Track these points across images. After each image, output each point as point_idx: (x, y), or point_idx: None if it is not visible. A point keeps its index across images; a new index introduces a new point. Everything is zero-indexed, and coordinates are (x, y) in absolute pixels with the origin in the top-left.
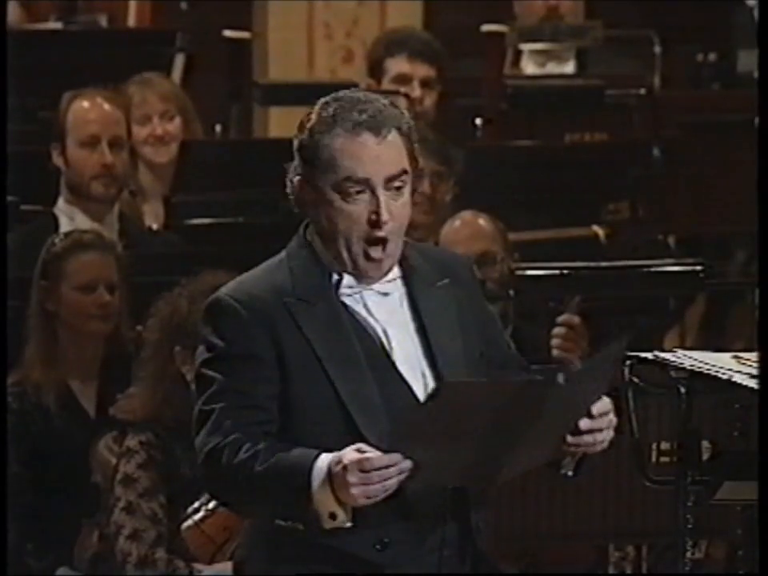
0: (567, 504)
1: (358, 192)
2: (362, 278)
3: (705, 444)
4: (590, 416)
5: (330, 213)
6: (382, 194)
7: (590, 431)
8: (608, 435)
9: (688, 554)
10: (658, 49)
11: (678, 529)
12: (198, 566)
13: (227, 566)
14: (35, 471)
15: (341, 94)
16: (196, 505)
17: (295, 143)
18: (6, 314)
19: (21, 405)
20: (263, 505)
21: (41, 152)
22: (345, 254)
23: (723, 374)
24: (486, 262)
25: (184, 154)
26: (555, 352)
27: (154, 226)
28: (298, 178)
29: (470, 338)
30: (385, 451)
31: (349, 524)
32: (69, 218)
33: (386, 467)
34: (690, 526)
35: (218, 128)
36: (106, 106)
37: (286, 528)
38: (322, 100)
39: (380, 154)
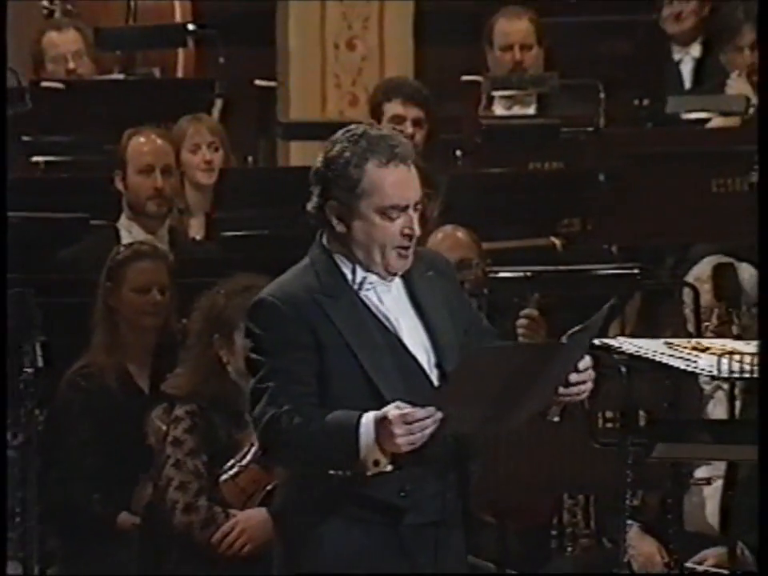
0: (531, 462)
1: (398, 213)
2: (386, 274)
3: (641, 413)
4: (577, 371)
5: (369, 229)
6: (412, 213)
7: (577, 383)
8: (590, 387)
9: (627, 503)
10: (602, 95)
11: (620, 481)
12: (232, 511)
13: (262, 511)
14: (101, 437)
15: (366, 131)
16: (231, 462)
17: (328, 174)
18: (6, 312)
19: (88, 384)
20: (318, 460)
21: (106, 178)
22: (378, 258)
23: (657, 357)
24: (463, 267)
25: (222, 179)
26: (520, 339)
27: (197, 237)
28: (333, 203)
29: (456, 319)
30: (421, 406)
31: (390, 467)
32: (128, 231)
33: (425, 419)
34: (629, 480)
35: (249, 159)
36: (159, 141)
37: (323, 481)
38: (346, 137)
39: (410, 182)
